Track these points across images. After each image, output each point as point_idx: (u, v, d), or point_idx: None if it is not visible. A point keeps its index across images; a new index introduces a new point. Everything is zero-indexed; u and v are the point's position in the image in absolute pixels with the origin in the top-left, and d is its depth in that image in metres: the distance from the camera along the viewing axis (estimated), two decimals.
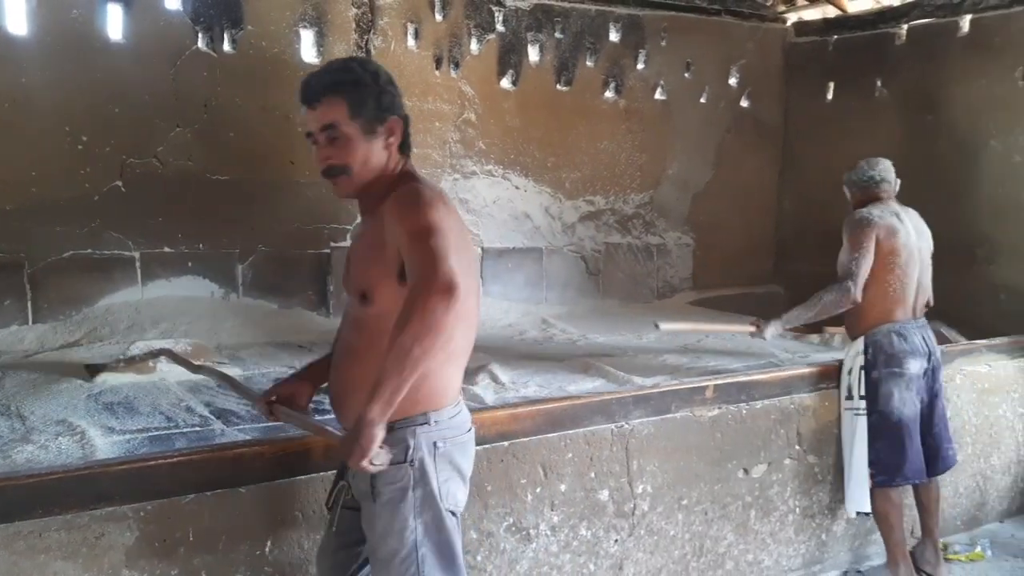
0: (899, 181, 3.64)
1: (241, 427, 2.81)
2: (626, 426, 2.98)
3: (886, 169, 3.58)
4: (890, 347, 3.38)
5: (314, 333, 4.62)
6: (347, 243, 4.94)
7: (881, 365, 3.37)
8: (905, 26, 5.77)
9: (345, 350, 2.03)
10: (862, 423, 3.41)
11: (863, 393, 3.41)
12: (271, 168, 4.68)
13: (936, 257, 5.47)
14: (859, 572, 3.75)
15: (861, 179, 3.58)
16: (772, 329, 3.63)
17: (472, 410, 2.18)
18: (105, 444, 2.51)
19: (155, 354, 3.44)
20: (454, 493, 1.98)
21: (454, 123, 5.21)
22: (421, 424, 1.92)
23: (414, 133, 4.88)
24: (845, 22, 6.22)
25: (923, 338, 3.47)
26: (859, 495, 3.42)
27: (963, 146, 5.42)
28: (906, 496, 3.58)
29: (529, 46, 5.43)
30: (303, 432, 2.23)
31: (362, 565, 2.10)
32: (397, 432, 1.90)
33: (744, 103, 6.43)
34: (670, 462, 3.10)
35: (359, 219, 2.14)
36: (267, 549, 2.28)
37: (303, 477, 2.34)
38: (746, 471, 3.34)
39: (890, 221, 3.44)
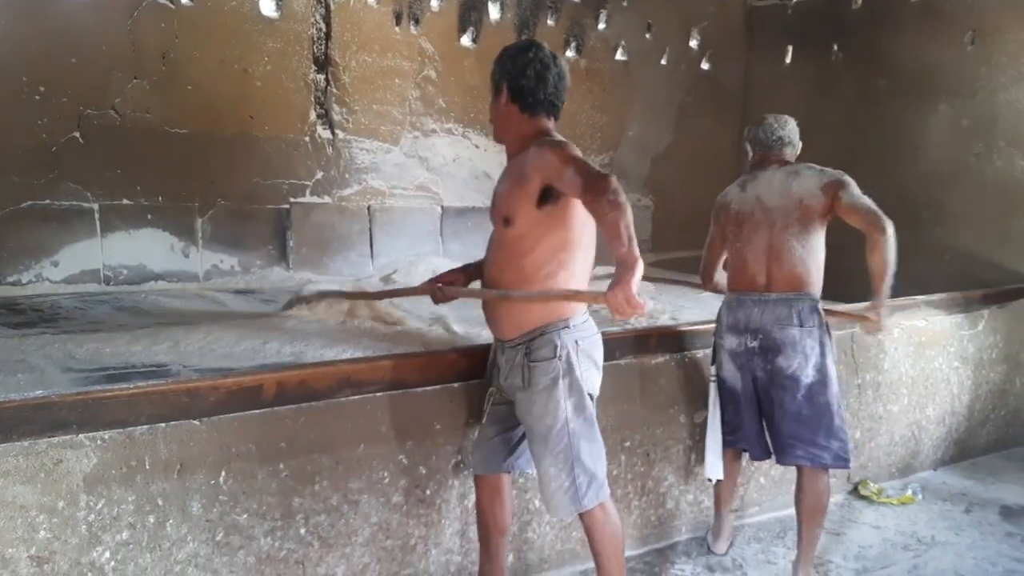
0: (800, 144, 3.36)
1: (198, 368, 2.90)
2: None
3: (794, 130, 3.31)
4: (722, 317, 3.27)
5: (275, 286, 4.70)
6: (306, 199, 5.01)
7: (717, 334, 3.30)
8: None
9: (490, 266, 2.56)
10: (715, 389, 3.31)
11: (712, 359, 3.34)
12: (230, 122, 4.70)
13: None
14: None
15: (769, 138, 3.29)
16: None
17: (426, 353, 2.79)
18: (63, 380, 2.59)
19: (321, 295, 3.60)
20: (592, 379, 2.52)
21: (414, 80, 5.26)
22: (563, 328, 2.45)
23: (372, 90, 5.07)
24: None
25: (758, 313, 3.12)
26: (714, 461, 3.31)
27: (914, 110, 5.58)
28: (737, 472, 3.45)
29: (490, 3, 5.47)
30: (259, 368, 2.33)
31: (515, 446, 2.65)
32: (547, 335, 2.45)
33: (704, 66, 6.53)
34: (613, 405, 3.23)
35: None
36: (222, 479, 2.37)
37: (257, 412, 2.43)
38: (688, 416, 3.48)
39: (733, 195, 3.30)
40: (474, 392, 2.83)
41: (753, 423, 3.22)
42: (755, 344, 3.13)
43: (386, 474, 2.70)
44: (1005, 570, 3.35)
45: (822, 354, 3.09)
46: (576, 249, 2.46)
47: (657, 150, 6.44)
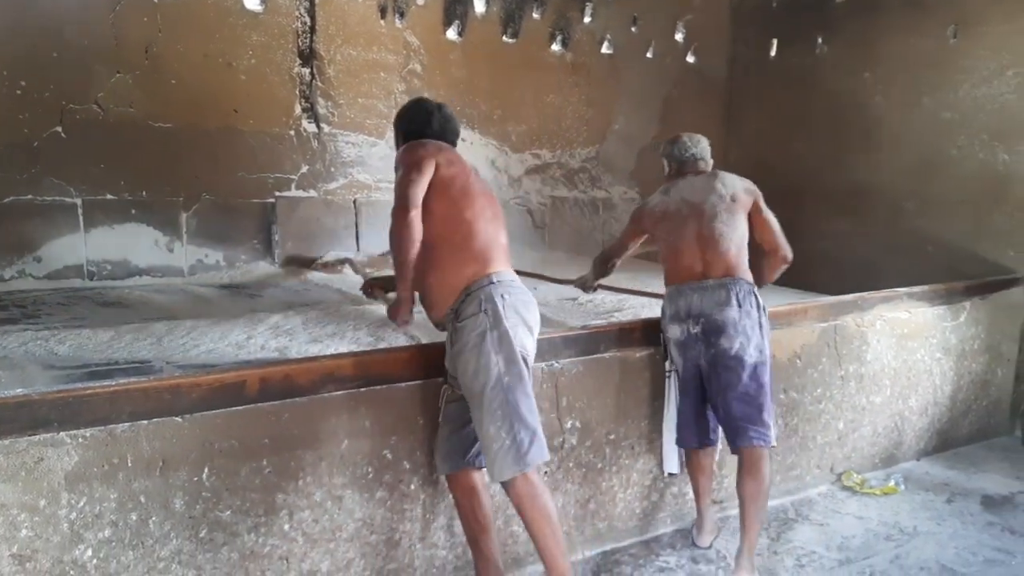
0: (712, 161, 3.54)
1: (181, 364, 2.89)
2: (556, 365, 3.12)
3: (706, 148, 3.51)
4: (665, 309, 3.33)
5: (261, 281, 4.69)
6: (292, 193, 4.99)
7: (662, 328, 3.36)
8: None
9: None
10: (671, 384, 3.38)
11: (665, 354, 3.39)
12: (214, 116, 4.66)
13: (866, 211, 5.68)
14: None
15: (683, 154, 3.49)
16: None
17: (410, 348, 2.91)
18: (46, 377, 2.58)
19: (341, 261, 4.71)
20: (521, 338, 2.59)
21: (399, 74, 5.23)
22: (487, 284, 2.61)
23: (357, 84, 5.16)
24: None
25: (698, 299, 3.19)
26: (671, 455, 3.42)
27: (897, 103, 5.60)
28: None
29: None
30: (242, 364, 2.32)
31: (472, 442, 2.68)
32: (472, 295, 2.60)
33: (690, 59, 6.53)
34: (598, 399, 3.25)
35: None
36: (204, 476, 2.37)
37: (239, 408, 2.43)
38: None
39: (656, 200, 3.47)
40: None
41: (690, 411, 3.28)
42: (697, 330, 3.19)
43: (370, 469, 2.71)
44: (986, 559, 3.39)
45: (762, 336, 3.19)
46: (450, 228, 2.69)
47: (643, 143, 6.44)
